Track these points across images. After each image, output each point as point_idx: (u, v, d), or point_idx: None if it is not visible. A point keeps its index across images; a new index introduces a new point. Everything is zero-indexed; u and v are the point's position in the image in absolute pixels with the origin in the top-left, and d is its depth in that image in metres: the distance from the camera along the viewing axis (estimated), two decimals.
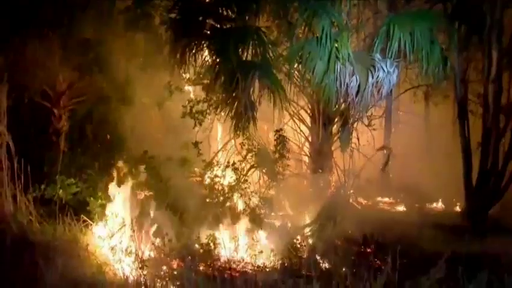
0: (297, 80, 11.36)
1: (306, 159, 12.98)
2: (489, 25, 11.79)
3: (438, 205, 13.61)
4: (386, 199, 14.08)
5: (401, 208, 13.49)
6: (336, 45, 10.42)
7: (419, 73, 11.55)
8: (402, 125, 15.87)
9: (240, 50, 10.92)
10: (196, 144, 11.69)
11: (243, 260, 9.48)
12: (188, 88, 12.54)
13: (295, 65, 10.87)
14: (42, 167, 11.46)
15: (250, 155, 11.51)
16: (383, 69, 10.61)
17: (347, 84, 10.59)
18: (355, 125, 12.38)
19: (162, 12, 11.85)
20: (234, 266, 9.13)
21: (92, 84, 12.28)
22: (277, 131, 11.61)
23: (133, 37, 11.82)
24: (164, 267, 8.69)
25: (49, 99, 12.64)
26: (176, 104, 12.08)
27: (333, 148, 12.35)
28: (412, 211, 13.22)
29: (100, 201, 9.77)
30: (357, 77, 10.49)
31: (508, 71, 12.33)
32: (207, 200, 10.86)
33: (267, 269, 9.17)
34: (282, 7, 10.93)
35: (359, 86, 10.58)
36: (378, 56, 10.71)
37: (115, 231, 9.21)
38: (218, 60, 10.85)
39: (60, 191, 10.16)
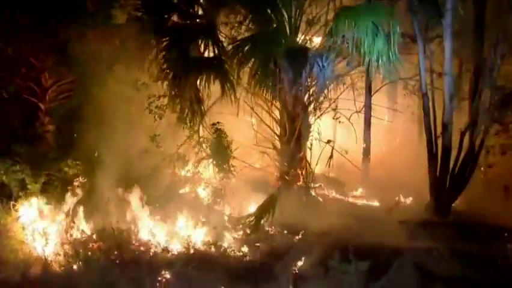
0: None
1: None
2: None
3: (410, 199, 13.45)
4: (359, 193, 14.06)
5: (372, 203, 13.45)
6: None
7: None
8: (381, 120, 15.66)
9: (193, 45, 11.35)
10: (153, 137, 12.01)
11: (160, 245, 9.88)
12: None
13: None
14: None
15: (198, 147, 11.75)
16: (318, 65, 10.72)
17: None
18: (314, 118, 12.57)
19: (130, 10, 12.35)
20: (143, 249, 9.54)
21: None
22: (213, 124, 11.82)
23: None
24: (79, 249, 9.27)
25: (35, 94, 13.30)
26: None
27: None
28: (381, 205, 13.13)
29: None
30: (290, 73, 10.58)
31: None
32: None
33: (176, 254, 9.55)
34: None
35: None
36: (312, 52, 10.78)
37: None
38: (168, 55, 11.29)
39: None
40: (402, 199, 13.44)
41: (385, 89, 15.88)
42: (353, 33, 11.06)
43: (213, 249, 9.94)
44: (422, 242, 9.78)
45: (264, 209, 11.21)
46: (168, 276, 8.28)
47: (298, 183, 12.73)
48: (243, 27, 12.34)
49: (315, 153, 13.71)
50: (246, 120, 13.16)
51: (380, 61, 11.12)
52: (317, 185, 13.38)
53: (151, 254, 9.59)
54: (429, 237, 10.21)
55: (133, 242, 9.92)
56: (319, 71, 11.04)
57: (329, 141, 12.80)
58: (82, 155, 11.13)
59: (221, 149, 11.89)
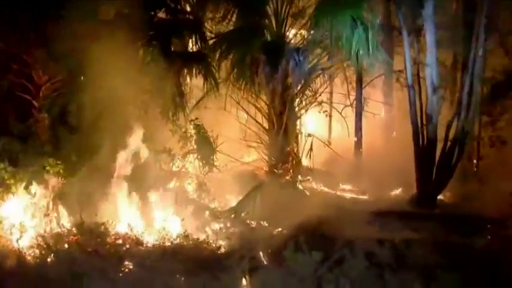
0: None
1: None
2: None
3: (398, 192, 13.47)
4: (349, 187, 14.10)
5: (361, 196, 13.49)
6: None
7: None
8: (372, 113, 15.66)
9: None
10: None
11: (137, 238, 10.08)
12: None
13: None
14: None
15: (183, 142, 11.91)
16: (295, 59, 10.82)
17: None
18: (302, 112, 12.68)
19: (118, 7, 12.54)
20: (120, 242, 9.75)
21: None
22: (191, 120, 11.97)
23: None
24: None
25: (29, 91, 13.57)
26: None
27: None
28: (369, 198, 13.17)
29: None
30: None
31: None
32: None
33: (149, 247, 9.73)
34: None
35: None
36: (290, 46, 10.89)
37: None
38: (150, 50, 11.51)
39: None
40: (391, 191, 13.33)
41: (380, 82, 15.81)
42: (331, 26, 10.95)
43: (188, 242, 9.92)
44: (390, 232, 9.69)
45: (245, 203, 11.24)
46: (131, 267, 8.37)
47: (286, 177, 12.67)
48: (230, 22, 12.38)
49: (307, 147, 14.01)
50: (236, 115, 13.21)
51: (359, 54, 10.92)
52: (306, 178, 13.30)
53: (126, 247, 9.61)
54: (404, 228, 10.11)
55: (111, 235, 9.95)
56: (295, 66, 10.97)
57: (309, 135, 12.66)
58: (67, 151, 11.17)
59: (205, 144, 11.89)
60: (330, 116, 15.75)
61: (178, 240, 10.05)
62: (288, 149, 13.08)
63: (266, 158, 13.15)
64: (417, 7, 11.59)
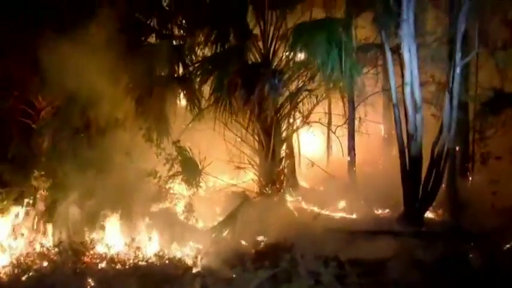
0: None
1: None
2: None
3: (387, 211, 13.49)
4: (340, 207, 14.16)
5: (350, 215, 13.56)
6: None
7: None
8: (366, 132, 15.74)
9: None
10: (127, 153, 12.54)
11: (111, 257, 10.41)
12: None
13: None
14: None
15: (168, 164, 12.22)
16: (270, 83, 11.08)
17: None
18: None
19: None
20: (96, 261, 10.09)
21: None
22: (174, 142, 12.24)
23: None
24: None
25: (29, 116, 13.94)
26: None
27: None
28: (358, 218, 13.23)
29: None
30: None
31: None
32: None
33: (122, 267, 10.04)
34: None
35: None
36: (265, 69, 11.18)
37: None
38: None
39: None
40: (379, 210, 13.37)
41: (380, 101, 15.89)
42: (307, 48, 11.17)
43: (160, 260, 10.18)
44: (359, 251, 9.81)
45: (226, 222, 11.46)
46: (92, 283, 8.69)
47: (275, 198, 12.87)
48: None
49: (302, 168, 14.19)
50: (226, 136, 13.49)
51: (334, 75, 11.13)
52: (296, 198, 13.46)
53: (100, 266, 9.93)
54: (379, 246, 10.19)
55: (88, 255, 10.29)
56: (270, 89, 11.21)
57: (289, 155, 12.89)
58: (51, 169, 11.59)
59: (190, 165, 12.18)
60: (329, 136, 15.83)
61: (151, 259, 10.15)
62: (278, 169, 13.08)
63: (256, 178, 13.20)
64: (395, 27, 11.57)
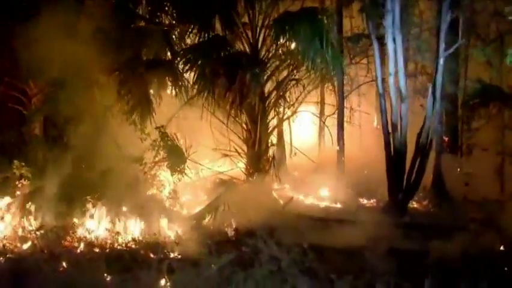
0: None
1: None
2: None
3: (373, 200, 13.54)
4: (326, 196, 14.21)
5: (335, 204, 13.62)
6: None
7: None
8: (357, 123, 15.78)
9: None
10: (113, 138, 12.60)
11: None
12: None
13: None
14: None
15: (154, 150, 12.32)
16: (252, 72, 11.16)
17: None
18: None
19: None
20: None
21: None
22: (157, 127, 12.31)
23: None
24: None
25: (21, 102, 14.03)
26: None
27: None
28: (343, 207, 13.29)
29: None
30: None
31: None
32: None
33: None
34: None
35: None
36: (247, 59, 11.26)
37: None
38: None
39: None
40: (365, 200, 13.42)
41: (371, 91, 15.92)
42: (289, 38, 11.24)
43: (137, 245, 10.30)
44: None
45: (208, 209, 11.56)
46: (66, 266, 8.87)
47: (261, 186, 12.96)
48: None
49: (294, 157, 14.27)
50: (216, 125, 13.59)
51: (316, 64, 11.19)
52: (282, 186, 13.54)
53: (80, 250, 10.08)
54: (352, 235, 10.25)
55: (67, 239, 10.44)
56: (251, 78, 11.28)
57: (272, 144, 12.98)
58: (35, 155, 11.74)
59: (175, 152, 12.28)
60: (320, 126, 15.88)
61: (130, 244, 10.28)
62: (265, 157, 13.16)
63: (244, 166, 13.30)
64: (378, 17, 11.60)
